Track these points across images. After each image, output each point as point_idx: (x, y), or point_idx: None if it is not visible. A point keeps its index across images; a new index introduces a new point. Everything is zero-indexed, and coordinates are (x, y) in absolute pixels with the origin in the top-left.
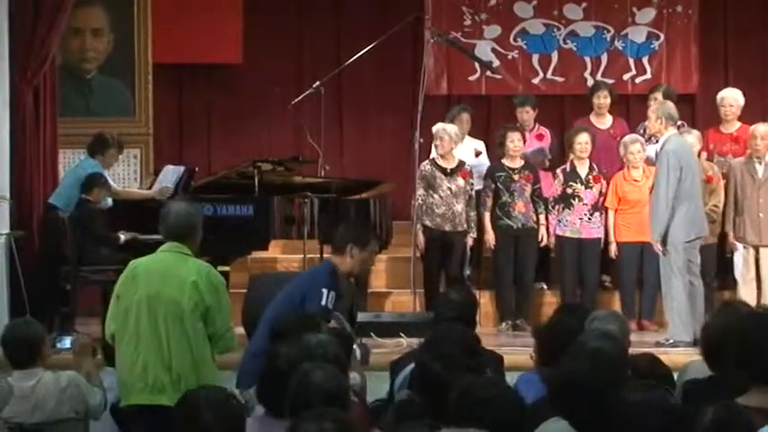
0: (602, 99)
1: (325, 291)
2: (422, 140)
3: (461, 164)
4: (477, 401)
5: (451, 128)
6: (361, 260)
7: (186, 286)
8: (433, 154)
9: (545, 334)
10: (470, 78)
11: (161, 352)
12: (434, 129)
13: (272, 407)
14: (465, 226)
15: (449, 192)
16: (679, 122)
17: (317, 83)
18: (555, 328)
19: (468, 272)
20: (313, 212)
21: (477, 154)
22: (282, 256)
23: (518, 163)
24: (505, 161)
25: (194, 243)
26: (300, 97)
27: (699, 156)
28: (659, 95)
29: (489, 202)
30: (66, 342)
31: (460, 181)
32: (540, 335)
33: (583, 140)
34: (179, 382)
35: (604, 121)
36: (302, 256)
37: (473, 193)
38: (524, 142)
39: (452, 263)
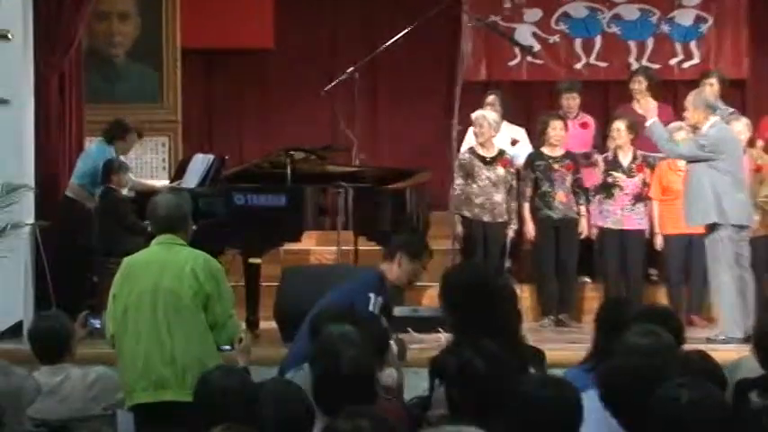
0: (637, 84)
1: (372, 295)
2: (460, 128)
3: (501, 152)
4: (531, 401)
5: (491, 115)
6: (408, 271)
7: (184, 276)
8: (472, 142)
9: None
10: (510, 63)
11: (162, 346)
12: (474, 115)
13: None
14: (505, 217)
15: (488, 181)
16: (730, 110)
17: (351, 68)
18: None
19: (508, 264)
20: (347, 203)
21: (514, 142)
22: (316, 247)
23: (558, 152)
24: (545, 149)
25: (186, 233)
26: (334, 83)
27: (752, 144)
28: (714, 81)
29: (529, 191)
30: (98, 322)
31: (500, 170)
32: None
33: (616, 127)
34: (184, 376)
35: None
36: (336, 247)
37: (514, 182)
38: (566, 130)
39: (492, 255)
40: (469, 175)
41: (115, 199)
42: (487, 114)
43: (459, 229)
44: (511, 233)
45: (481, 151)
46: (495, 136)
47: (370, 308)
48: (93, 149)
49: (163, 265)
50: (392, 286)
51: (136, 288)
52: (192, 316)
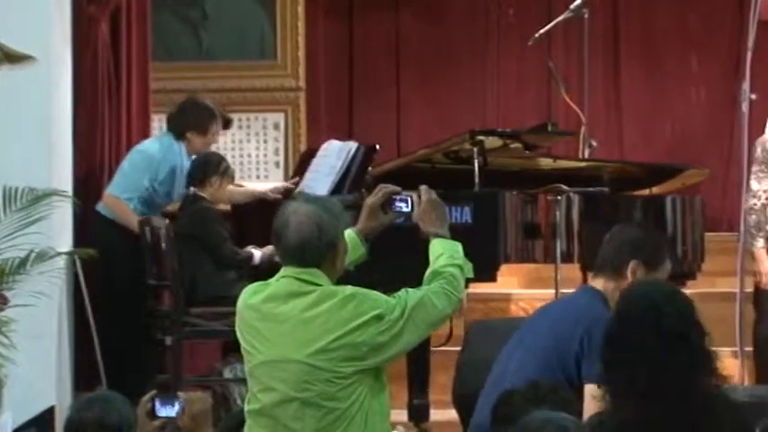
0: None
1: None
2: (754, 96)
3: None
4: None
5: None
6: None
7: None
8: None
9: None
10: None
11: None
12: None
13: None
14: None
15: None
16: None
17: (578, 2)
18: None
19: None
20: (571, 218)
21: None
22: (521, 291)
23: None
24: None
25: (333, 267)
26: (549, 26)
27: None
28: None
29: None
30: (173, 409)
31: None
32: None
33: None
34: None
35: None
36: (553, 290)
37: None
38: None
39: None
40: None
41: (206, 214)
42: None
43: (765, 262)
44: None
45: None
46: None
47: None
48: (151, 148)
49: None
50: None
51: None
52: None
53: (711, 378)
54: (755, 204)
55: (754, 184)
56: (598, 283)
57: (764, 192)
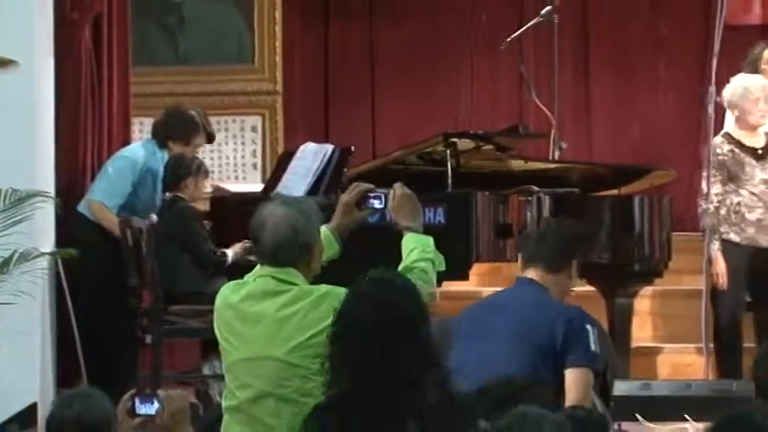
0: None
1: (590, 328)
2: (719, 99)
3: None
4: None
5: (758, 83)
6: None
7: None
8: (730, 126)
9: None
10: None
11: None
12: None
13: None
14: None
15: (763, 185)
16: None
17: (548, 7)
18: None
19: None
20: (542, 218)
21: None
22: (492, 288)
23: None
24: None
25: (308, 267)
26: (520, 31)
27: None
28: None
29: None
30: (152, 407)
31: None
32: None
33: None
34: None
35: None
36: None
37: None
38: None
39: None
40: (734, 177)
41: (186, 214)
42: (752, 82)
43: (721, 262)
44: None
45: (746, 140)
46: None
47: (593, 347)
48: (135, 154)
49: None
50: None
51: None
52: None
53: (432, 366)
54: (709, 208)
55: (705, 188)
56: (536, 274)
57: (715, 195)
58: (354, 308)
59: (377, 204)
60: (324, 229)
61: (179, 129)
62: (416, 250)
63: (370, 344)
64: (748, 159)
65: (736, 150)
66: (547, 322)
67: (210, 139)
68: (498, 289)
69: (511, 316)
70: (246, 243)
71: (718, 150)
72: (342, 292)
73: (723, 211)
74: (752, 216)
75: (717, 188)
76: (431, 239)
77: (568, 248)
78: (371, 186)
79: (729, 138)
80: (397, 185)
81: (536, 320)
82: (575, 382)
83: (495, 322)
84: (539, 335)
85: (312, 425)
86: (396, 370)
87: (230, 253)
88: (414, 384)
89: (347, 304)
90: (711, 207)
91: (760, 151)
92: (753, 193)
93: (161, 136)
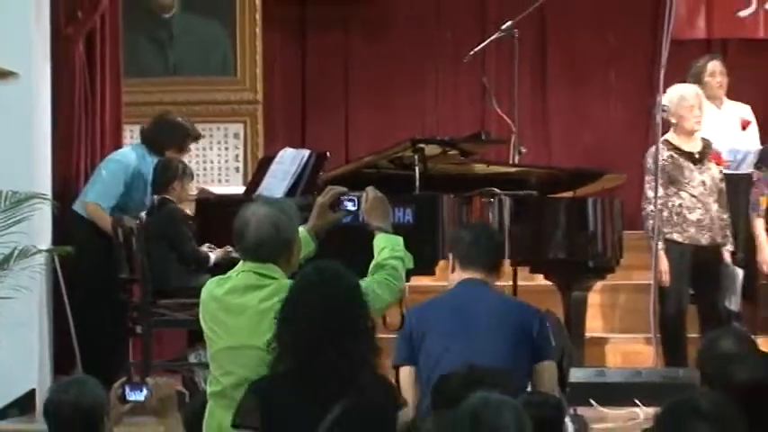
0: None
1: (549, 325)
2: (667, 107)
3: (708, 144)
4: None
5: (692, 90)
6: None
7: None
8: (669, 133)
9: None
10: (741, 14)
11: None
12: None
13: None
14: (721, 237)
15: (702, 187)
16: None
17: (508, 23)
18: None
19: (735, 307)
20: (503, 218)
21: (745, 125)
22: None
23: None
24: None
25: (288, 263)
26: (482, 45)
27: None
28: None
29: (765, 202)
30: (141, 394)
31: (714, 170)
32: None
33: None
34: None
35: None
36: None
37: (723, 185)
38: None
39: (713, 293)
40: (674, 181)
41: (174, 216)
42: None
43: (664, 261)
44: (727, 256)
45: (684, 145)
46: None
47: (553, 341)
48: (127, 158)
49: None
50: None
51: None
52: None
53: (367, 349)
54: (652, 211)
55: (648, 193)
56: (477, 275)
57: (653, 199)
58: (300, 294)
59: (350, 206)
60: (301, 229)
61: (173, 137)
62: (387, 249)
63: (313, 327)
64: (687, 164)
65: (675, 155)
66: (520, 319)
67: (197, 138)
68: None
69: (482, 314)
70: (228, 249)
71: (660, 156)
72: None
73: (666, 213)
74: (692, 216)
75: (655, 192)
76: (400, 239)
77: (501, 250)
78: (345, 189)
79: (668, 144)
80: (370, 189)
81: (510, 317)
82: (548, 373)
83: (468, 320)
84: (515, 330)
85: (251, 398)
86: (335, 351)
87: (213, 255)
88: (351, 365)
89: (294, 291)
90: (652, 209)
91: (697, 155)
92: (693, 195)
93: (156, 146)
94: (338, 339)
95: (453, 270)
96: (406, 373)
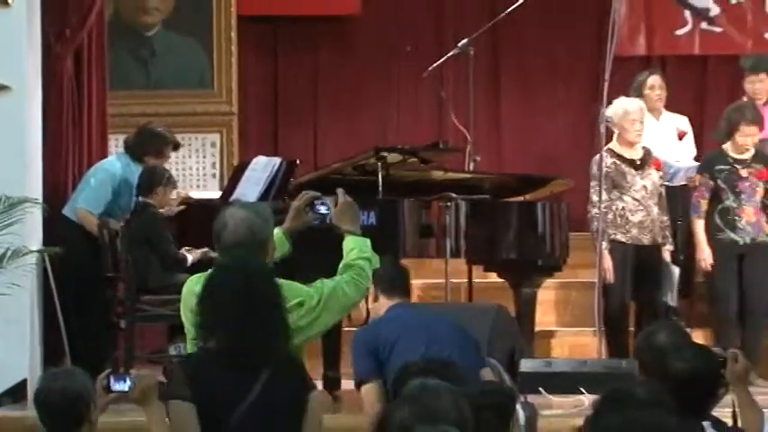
0: None
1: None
2: (611, 118)
3: (648, 152)
4: None
5: (635, 105)
6: None
7: None
8: (612, 142)
9: None
10: (678, 32)
11: None
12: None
13: None
14: (661, 237)
15: (644, 191)
16: None
17: (464, 41)
18: None
19: (672, 302)
20: (458, 221)
21: (682, 135)
22: (417, 281)
23: (747, 153)
24: (729, 149)
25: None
26: (441, 61)
27: None
28: None
29: (704, 205)
30: (125, 384)
31: (655, 175)
32: None
33: None
34: None
35: None
36: (443, 280)
37: (663, 189)
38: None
39: (653, 289)
40: (618, 185)
41: (154, 219)
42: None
43: (608, 260)
44: (667, 255)
45: (626, 153)
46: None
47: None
48: (113, 166)
49: None
50: None
51: None
52: None
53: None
54: (596, 213)
55: (593, 197)
56: (401, 301)
57: (598, 203)
58: (220, 278)
59: (323, 210)
60: (277, 230)
61: (151, 145)
62: (355, 250)
63: (233, 309)
64: (629, 170)
65: (618, 162)
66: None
67: (177, 147)
68: (426, 281)
69: (441, 327)
70: (205, 250)
71: (604, 163)
72: (288, 284)
73: (610, 216)
74: (635, 218)
75: (599, 196)
76: (368, 241)
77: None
78: (318, 194)
79: (612, 152)
80: (340, 192)
81: (462, 329)
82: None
83: (431, 332)
84: (471, 339)
85: (180, 371)
86: (252, 330)
87: (190, 257)
88: (267, 343)
89: (215, 275)
90: (597, 212)
91: (638, 162)
92: (635, 199)
93: (136, 153)
94: (256, 316)
95: (376, 299)
96: (368, 389)
